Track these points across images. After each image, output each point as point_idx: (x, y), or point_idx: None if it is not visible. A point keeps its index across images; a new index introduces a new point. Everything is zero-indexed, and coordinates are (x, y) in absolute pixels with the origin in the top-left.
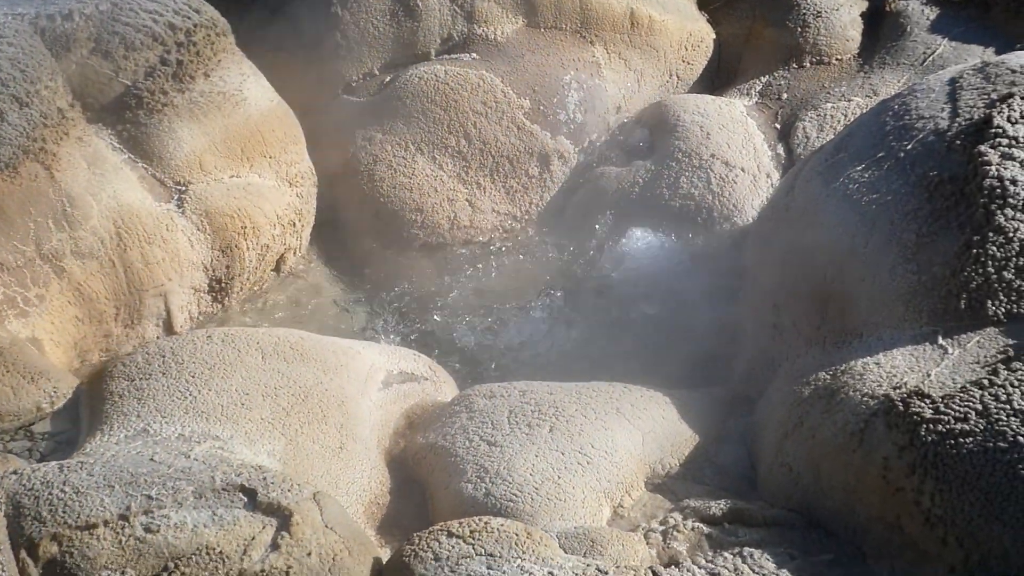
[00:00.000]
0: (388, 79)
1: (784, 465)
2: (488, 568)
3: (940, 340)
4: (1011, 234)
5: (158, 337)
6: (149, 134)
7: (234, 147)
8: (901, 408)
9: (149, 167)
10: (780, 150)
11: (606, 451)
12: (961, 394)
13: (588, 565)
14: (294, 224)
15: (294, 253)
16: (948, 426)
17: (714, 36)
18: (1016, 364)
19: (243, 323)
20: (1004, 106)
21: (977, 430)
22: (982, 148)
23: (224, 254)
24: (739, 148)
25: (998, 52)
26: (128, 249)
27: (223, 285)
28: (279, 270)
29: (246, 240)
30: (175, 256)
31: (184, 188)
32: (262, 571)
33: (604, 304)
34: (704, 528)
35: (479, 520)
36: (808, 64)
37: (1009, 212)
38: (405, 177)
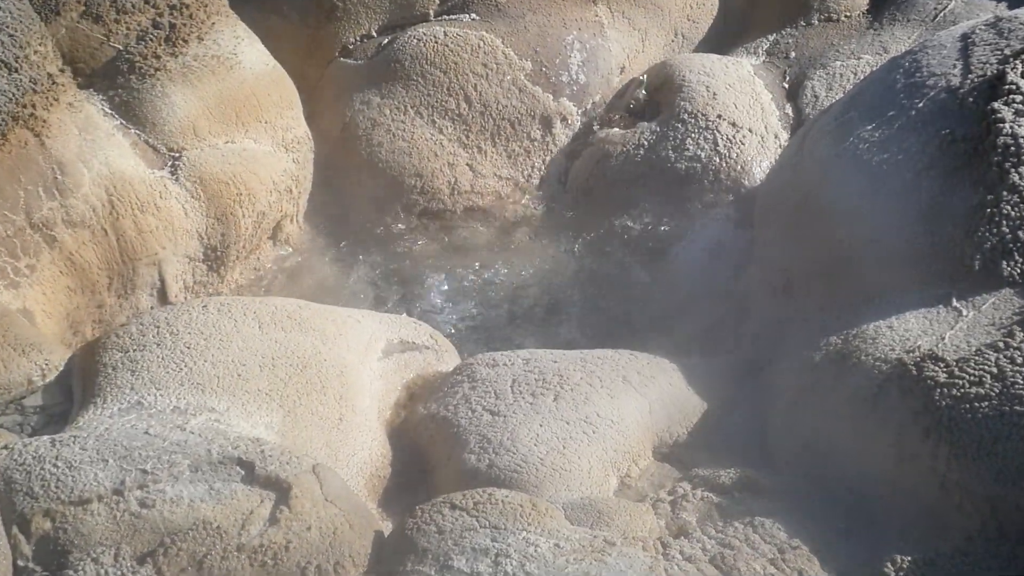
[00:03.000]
0: (386, 41)
1: (795, 432)
2: (492, 540)
3: (954, 302)
4: None
5: (152, 307)
6: (142, 99)
7: (228, 112)
8: (915, 372)
9: (142, 133)
10: (788, 110)
11: (612, 420)
12: (976, 357)
13: (595, 536)
14: (291, 190)
15: (291, 220)
16: (963, 390)
17: None
18: None
19: (239, 292)
20: (1018, 62)
21: (993, 394)
22: (995, 105)
23: (219, 222)
24: (746, 108)
25: (1011, 7)
26: (121, 217)
27: (218, 254)
28: (276, 238)
29: (241, 207)
30: (169, 224)
31: (178, 154)
32: (261, 546)
33: (608, 271)
34: (713, 497)
35: (483, 492)
36: (816, 21)
37: None
38: (404, 142)
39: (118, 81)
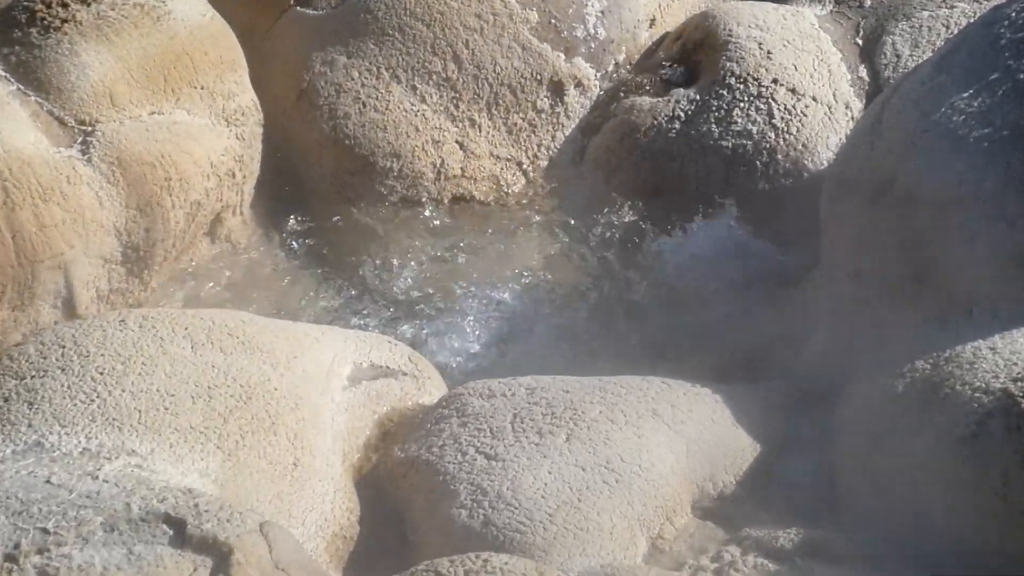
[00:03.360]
0: None
1: (872, 481)
2: None
3: None
4: None
5: (56, 322)
6: (45, 59)
7: (155, 75)
8: None
9: (45, 102)
10: (863, 72)
11: (640, 466)
12: None
13: None
14: (233, 174)
15: (233, 212)
16: None
17: None
18: None
19: (168, 303)
20: None
21: None
22: None
23: (142, 214)
24: (809, 71)
25: None
26: (17, 208)
27: (141, 254)
28: (214, 234)
29: (171, 195)
30: (78, 217)
31: (90, 129)
32: None
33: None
34: (769, 565)
35: (476, 557)
36: None
37: None
38: (377, 113)
39: (15, 36)
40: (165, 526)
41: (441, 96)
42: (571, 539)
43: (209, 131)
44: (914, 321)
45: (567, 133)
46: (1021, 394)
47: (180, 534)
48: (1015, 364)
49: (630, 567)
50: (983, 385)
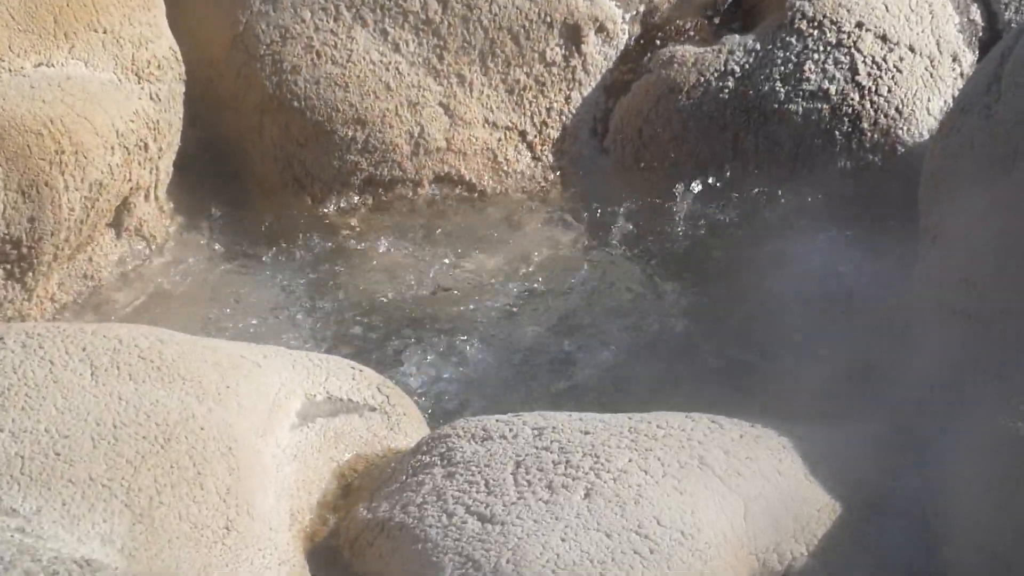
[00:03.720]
0: None
1: (991, 551)
2: None
3: None
4: None
5: None
6: None
7: (41, 14)
8: None
9: None
10: (975, 15)
11: (683, 531)
12: None
13: None
14: (146, 146)
15: (146, 197)
16: None
17: None
18: None
19: (60, 316)
20: None
21: None
22: None
23: (25, 198)
24: (904, 12)
25: None
26: None
27: (24, 251)
28: (122, 226)
29: (63, 174)
30: None
31: None
32: None
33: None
34: None
35: None
36: None
37: None
38: (335, 66)
39: None
40: None
41: (420, 44)
42: None
43: (114, 89)
44: None
45: (586, 93)
46: None
47: None
48: None
49: None
50: None
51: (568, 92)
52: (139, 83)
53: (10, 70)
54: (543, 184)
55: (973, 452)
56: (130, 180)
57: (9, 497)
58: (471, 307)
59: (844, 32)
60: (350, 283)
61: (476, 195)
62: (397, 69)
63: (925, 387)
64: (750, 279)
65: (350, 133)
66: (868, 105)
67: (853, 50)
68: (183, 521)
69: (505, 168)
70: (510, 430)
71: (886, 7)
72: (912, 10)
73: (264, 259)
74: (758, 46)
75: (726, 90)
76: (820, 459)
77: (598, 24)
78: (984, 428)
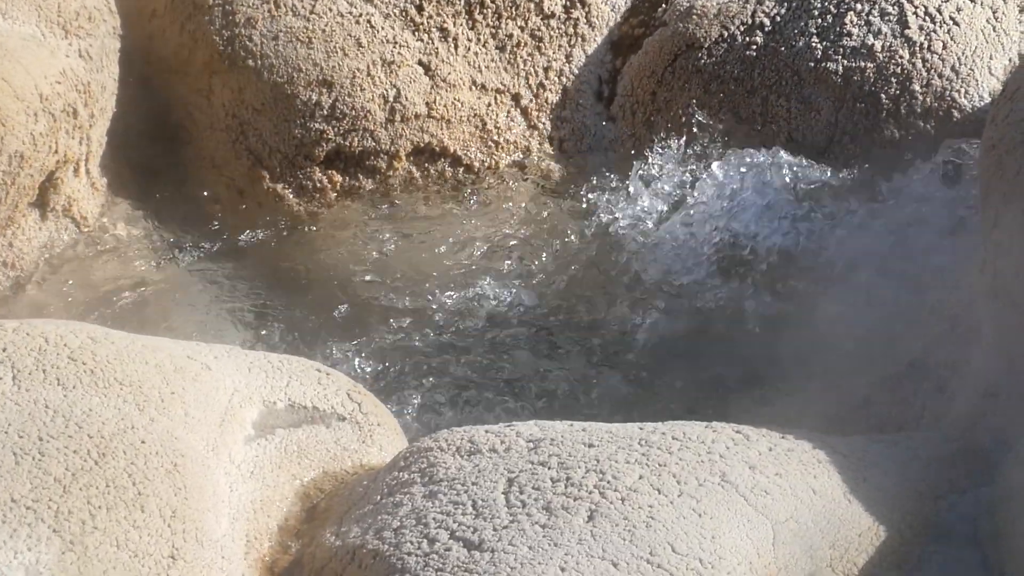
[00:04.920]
0: None
1: None
2: None
3: None
4: None
5: None
6: None
7: None
8: None
9: None
10: None
11: (702, 560)
12: None
13: None
14: (75, 112)
15: (76, 172)
16: None
17: None
18: None
19: None
20: None
21: None
22: None
23: None
24: None
25: None
26: None
27: None
28: (47, 206)
29: None
30: None
31: None
32: None
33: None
34: None
35: None
36: None
37: None
38: (297, 18)
39: None
40: None
41: None
42: None
43: (37, 45)
44: None
45: (590, 51)
46: None
47: None
48: None
49: None
50: None
51: (569, 49)
52: (66, 38)
53: None
54: (540, 156)
55: None
56: (56, 152)
57: None
58: (455, 299)
59: None
60: (313, 276)
61: (461, 169)
62: (369, 22)
63: (983, 392)
64: (774, 265)
65: (314, 97)
66: (920, 64)
67: (902, 0)
68: (121, 549)
69: (495, 138)
70: (501, 442)
71: None
72: None
73: (213, 246)
74: None
75: (754, 46)
76: (862, 476)
77: None
78: None
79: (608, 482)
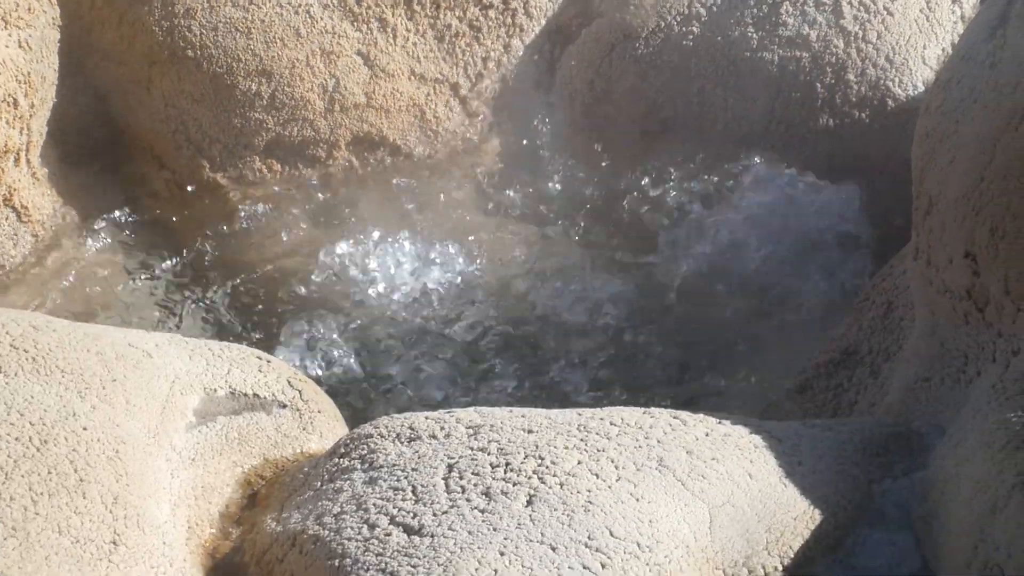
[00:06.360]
0: None
1: (992, 565)
2: None
3: None
4: None
5: None
6: None
7: None
8: None
9: None
10: None
11: (639, 543)
12: None
13: None
14: (15, 103)
15: (17, 162)
16: None
17: None
18: None
19: None
20: None
21: None
22: None
23: None
24: None
25: None
26: None
27: None
28: None
29: None
30: None
31: None
32: None
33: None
34: None
35: None
36: None
37: None
38: (236, 8)
39: None
40: None
41: None
42: None
43: None
44: None
45: (528, 40)
46: None
47: None
48: None
49: None
50: None
51: (507, 39)
52: (6, 28)
53: None
54: (478, 146)
55: (971, 452)
56: None
57: None
58: (390, 288)
59: None
60: (253, 266)
61: (401, 159)
62: (308, 12)
63: (916, 378)
64: (705, 255)
65: (254, 87)
66: (854, 53)
67: None
68: (63, 535)
69: (434, 127)
70: (441, 429)
71: None
72: None
73: (152, 236)
74: None
75: (691, 36)
76: (797, 460)
77: None
78: (983, 423)
79: (547, 467)
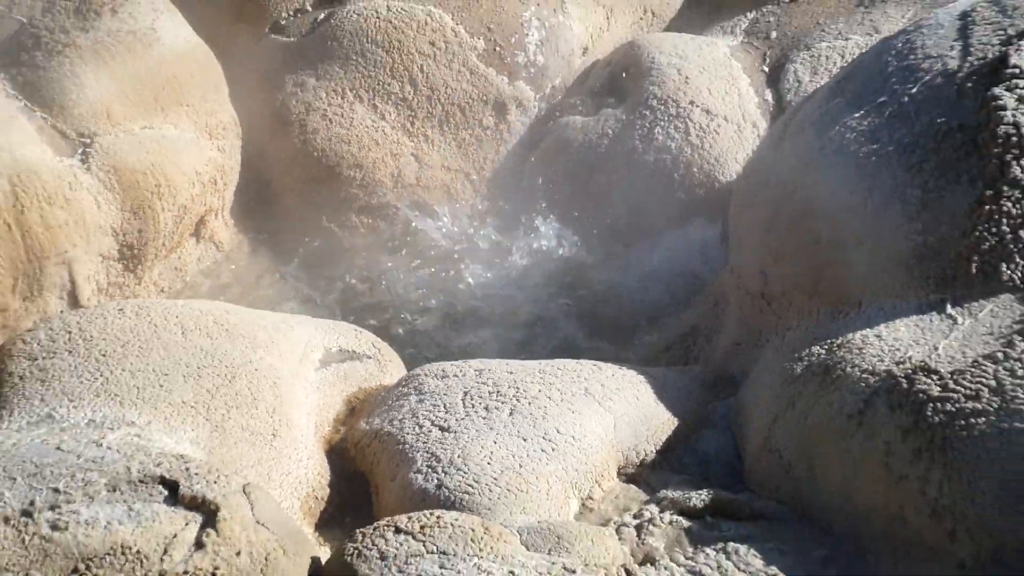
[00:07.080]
0: (322, 16)
1: (773, 452)
2: (441, 567)
3: (949, 309)
4: None
5: (62, 311)
6: (49, 79)
7: (146, 94)
8: (905, 386)
9: (49, 117)
10: (768, 96)
11: (574, 436)
12: (972, 369)
13: (553, 563)
14: (215, 182)
15: (216, 215)
16: (958, 405)
17: None
18: None
19: (159, 294)
20: (1023, 43)
21: (991, 409)
22: (996, 91)
23: (136, 216)
24: (722, 94)
25: None
26: (26, 211)
27: (135, 252)
28: (199, 235)
29: (160, 200)
30: (80, 219)
31: (89, 141)
32: (185, 572)
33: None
34: (683, 522)
35: (430, 514)
36: None
37: None
38: (342, 128)
39: (22, 58)
40: (160, 487)
41: (399, 114)
42: (513, 499)
43: (194, 144)
44: (811, 313)
45: (510, 148)
46: (902, 375)
47: (173, 494)
48: (897, 350)
49: (563, 523)
50: (870, 368)
51: (498, 147)
52: (211, 140)
53: (125, 131)
54: (483, 208)
55: (762, 387)
56: (205, 205)
57: (130, 414)
58: (432, 290)
59: (681, 107)
60: (352, 273)
61: (436, 215)
62: (383, 131)
63: (732, 343)
64: (618, 271)
65: (352, 174)
66: (697, 156)
67: (687, 119)
68: (244, 430)
69: (457, 198)
70: (460, 371)
71: (709, 91)
72: (727, 92)
73: (294, 259)
74: (625, 116)
75: (603, 146)
76: (665, 391)
77: (518, 102)
78: (772, 372)
79: (521, 393)
